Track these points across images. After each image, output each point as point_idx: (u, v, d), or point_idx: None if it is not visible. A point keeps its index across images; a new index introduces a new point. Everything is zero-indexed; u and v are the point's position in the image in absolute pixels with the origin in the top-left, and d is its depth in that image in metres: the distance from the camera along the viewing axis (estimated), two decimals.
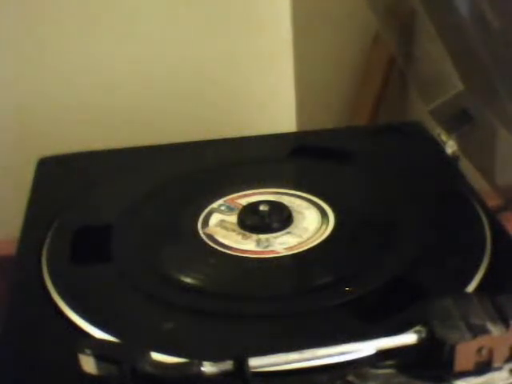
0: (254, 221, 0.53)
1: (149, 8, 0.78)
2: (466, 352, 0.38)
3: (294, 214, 0.54)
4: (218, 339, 0.43)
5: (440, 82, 0.62)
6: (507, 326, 0.38)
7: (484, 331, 0.38)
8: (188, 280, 0.48)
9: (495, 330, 0.38)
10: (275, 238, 0.52)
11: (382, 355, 0.39)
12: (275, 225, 0.53)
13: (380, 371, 0.39)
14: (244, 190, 0.58)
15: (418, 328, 0.39)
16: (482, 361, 0.38)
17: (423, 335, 0.39)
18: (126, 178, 0.61)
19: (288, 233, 0.53)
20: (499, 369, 0.39)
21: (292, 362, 0.38)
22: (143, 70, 0.81)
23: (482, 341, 0.38)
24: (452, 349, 0.38)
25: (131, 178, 0.61)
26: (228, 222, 0.54)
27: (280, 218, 0.54)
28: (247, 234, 0.53)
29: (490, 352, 0.38)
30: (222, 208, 0.56)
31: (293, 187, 0.58)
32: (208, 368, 0.38)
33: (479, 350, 0.38)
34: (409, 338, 0.39)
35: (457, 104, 0.61)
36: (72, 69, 0.79)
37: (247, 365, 0.37)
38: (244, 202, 0.56)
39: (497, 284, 0.46)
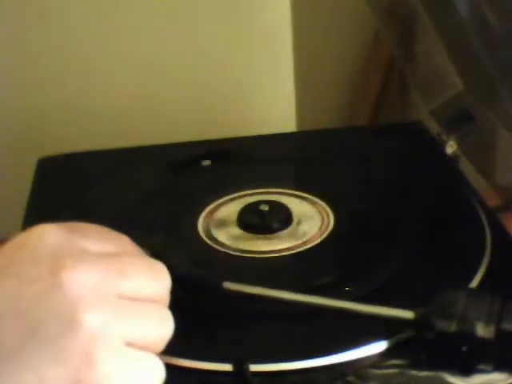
0: (254, 221, 0.53)
1: (148, 8, 0.78)
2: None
3: (294, 214, 0.54)
4: (218, 340, 0.43)
5: (440, 82, 0.62)
6: (497, 330, 0.38)
7: (469, 327, 0.38)
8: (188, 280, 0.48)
9: (481, 330, 0.38)
10: (275, 237, 0.52)
11: (383, 355, 0.39)
12: (275, 225, 0.53)
13: (380, 371, 0.39)
14: (244, 190, 0.58)
15: (419, 309, 0.39)
16: None
17: (418, 315, 0.39)
18: (126, 177, 0.61)
19: (288, 233, 0.53)
20: (499, 369, 0.39)
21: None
22: (143, 69, 0.81)
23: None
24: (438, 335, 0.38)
25: (131, 177, 0.61)
26: (228, 222, 0.54)
27: (280, 218, 0.53)
28: (247, 234, 0.53)
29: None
30: (222, 208, 0.56)
31: (293, 187, 0.58)
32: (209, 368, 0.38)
33: None
34: (406, 314, 0.39)
35: (457, 104, 0.61)
36: (72, 69, 0.79)
37: (247, 365, 0.37)
38: (244, 202, 0.56)
39: (497, 284, 0.46)
